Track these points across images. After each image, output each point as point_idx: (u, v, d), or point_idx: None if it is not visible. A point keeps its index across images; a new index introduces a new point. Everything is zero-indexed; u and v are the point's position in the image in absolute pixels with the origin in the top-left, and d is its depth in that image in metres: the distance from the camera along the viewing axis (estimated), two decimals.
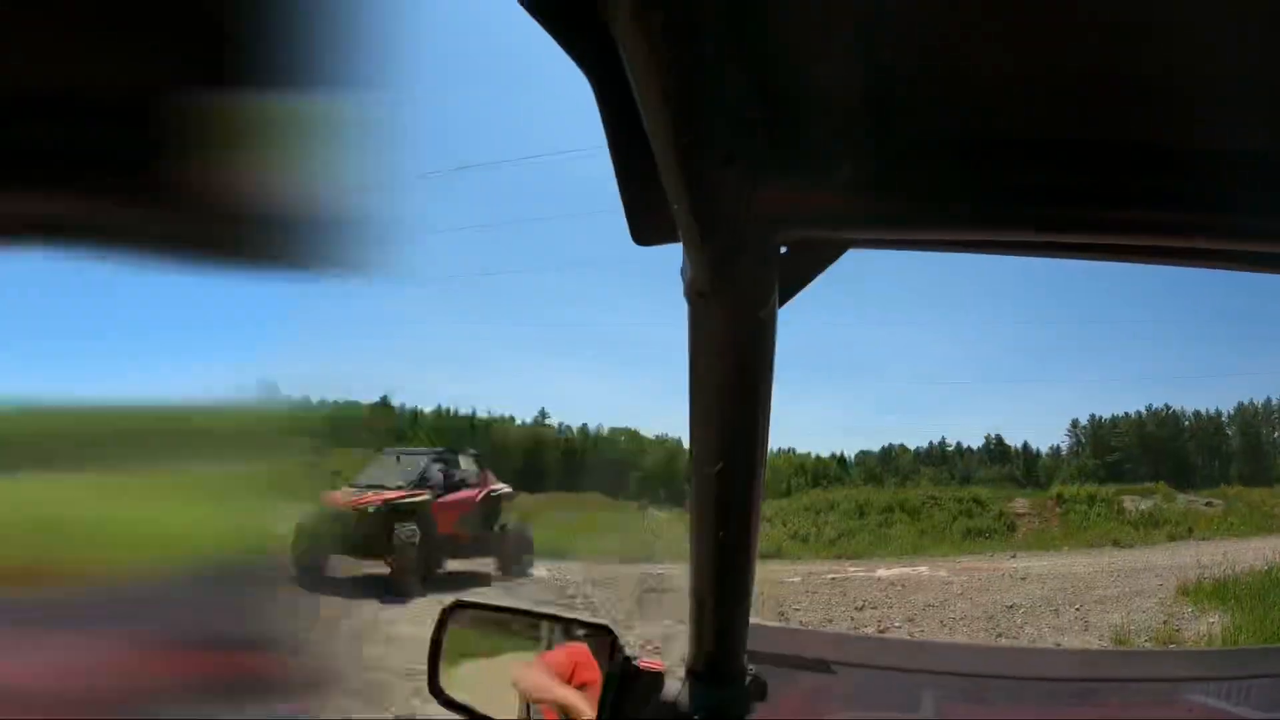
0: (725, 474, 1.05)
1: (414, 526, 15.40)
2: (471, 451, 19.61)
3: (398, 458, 18.10)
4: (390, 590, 14.47)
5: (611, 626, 1.69)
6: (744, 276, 0.84)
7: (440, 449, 19.57)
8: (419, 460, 17.83)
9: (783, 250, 0.87)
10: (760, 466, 1.07)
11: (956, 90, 0.79)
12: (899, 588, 17.44)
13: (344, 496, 16.14)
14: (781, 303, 0.90)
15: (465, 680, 2.01)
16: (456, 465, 17.88)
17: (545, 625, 2.40)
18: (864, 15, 0.73)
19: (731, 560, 1.22)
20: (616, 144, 0.81)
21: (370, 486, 16.46)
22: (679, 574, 18.63)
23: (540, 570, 19.29)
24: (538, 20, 0.70)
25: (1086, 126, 0.81)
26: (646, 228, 0.89)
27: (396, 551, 15.00)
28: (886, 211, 0.83)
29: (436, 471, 17.16)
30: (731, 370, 0.95)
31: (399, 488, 16.36)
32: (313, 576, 14.84)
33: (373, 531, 15.20)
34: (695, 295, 0.85)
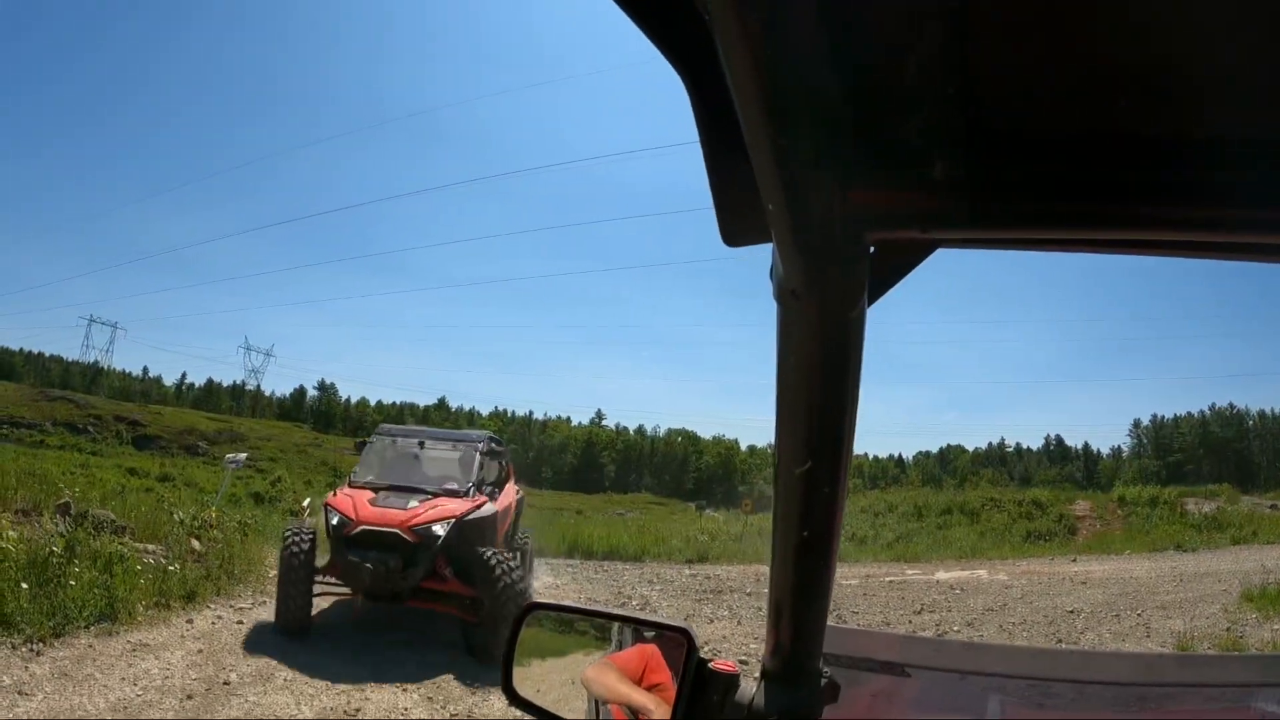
0: (811, 474, 1.04)
1: (509, 555, 10.29)
2: (489, 434, 13.38)
3: (420, 443, 12.05)
4: (473, 648, 9.74)
5: (687, 627, 1.67)
6: (834, 276, 0.83)
7: (459, 431, 14.29)
8: (457, 449, 11.99)
9: (871, 250, 0.86)
10: (846, 467, 1.06)
11: (1047, 87, 0.79)
12: (958, 591, 17.27)
13: (366, 505, 10.40)
14: (870, 302, 0.90)
15: (536, 680, 2.03)
16: (486, 454, 12.00)
17: (618, 626, 2.46)
18: (953, 13, 0.73)
19: (813, 561, 1.21)
20: (710, 146, 0.83)
21: (405, 489, 10.89)
22: (734, 574, 18.66)
23: (596, 570, 19.43)
24: (634, 20, 0.73)
25: (1181, 122, 0.79)
26: (737, 229, 0.90)
27: (495, 594, 9.41)
28: (975, 211, 0.82)
29: (479, 466, 11.54)
30: (821, 370, 0.94)
31: (452, 492, 10.84)
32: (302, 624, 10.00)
33: (441, 563, 10.02)
34: (787, 295, 0.85)
